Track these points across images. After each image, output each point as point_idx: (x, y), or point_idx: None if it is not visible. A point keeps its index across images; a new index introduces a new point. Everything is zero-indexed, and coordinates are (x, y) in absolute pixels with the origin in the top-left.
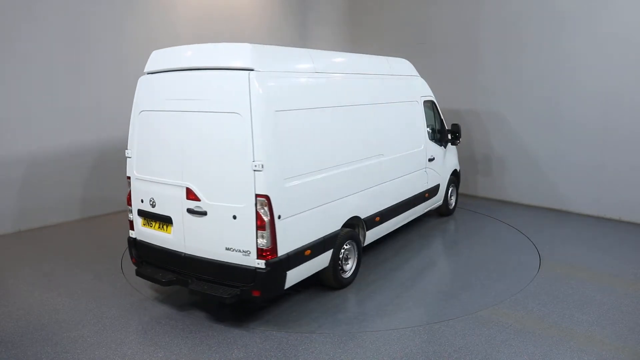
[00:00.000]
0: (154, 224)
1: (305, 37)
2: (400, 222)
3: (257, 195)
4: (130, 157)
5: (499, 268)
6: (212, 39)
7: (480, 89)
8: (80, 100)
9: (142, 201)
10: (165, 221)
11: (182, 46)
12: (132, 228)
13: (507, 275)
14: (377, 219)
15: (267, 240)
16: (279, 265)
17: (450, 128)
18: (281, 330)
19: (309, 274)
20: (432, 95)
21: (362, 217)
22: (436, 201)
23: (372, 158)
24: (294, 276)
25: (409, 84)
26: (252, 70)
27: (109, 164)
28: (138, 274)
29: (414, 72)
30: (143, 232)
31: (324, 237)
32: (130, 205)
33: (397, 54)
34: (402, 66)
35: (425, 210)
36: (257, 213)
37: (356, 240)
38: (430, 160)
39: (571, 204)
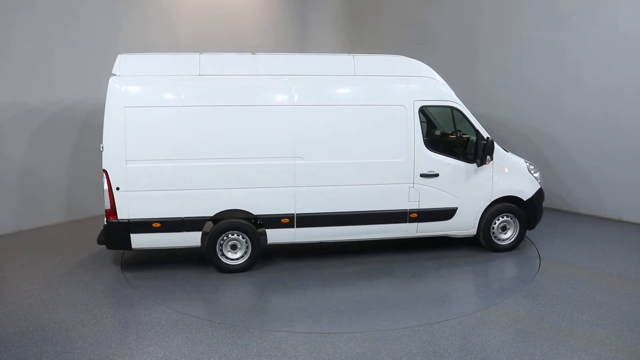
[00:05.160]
0: None
1: (304, 37)
2: (354, 235)
3: (103, 169)
4: None
5: (499, 268)
6: (211, 39)
7: (480, 89)
8: (80, 100)
9: None
10: None
11: None
12: None
13: (507, 275)
14: (285, 220)
15: (107, 204)
16: (117, 225)
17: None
18: (281, 330)
19: (171, 245)
20: (452, 100)
21: (255, 214)
22: (452, 228)
23: (279, 159)
24: (142, 240)
25: (389, 86)
26: (114, 75)
27: None
28: None
29: (413, 72)
30: None
31: (183, 218)
32: None
33: (397, 54)
34: (383, 66)
35: (428, 234)
36: (103, 183)
37: (247, 232)
38: (428, 176)
39: (571, 204)
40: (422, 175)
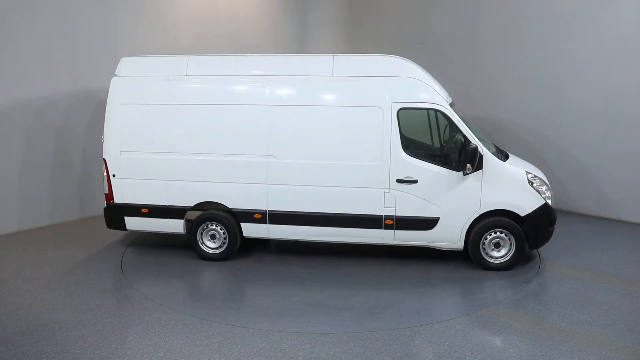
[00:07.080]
0: None
1: (304, 37)
2: (328, 236)
3: (103, 158)
4: None
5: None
6: (212, 40)
7: (480, 89)
8: (80, 99)
9: None
10: None
11: None
12: None
13: (507, 275)
14: (258, 216)
15: (105, 188)
16: (113, 208)
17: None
18: (281, 330)
19: (158, 230)
20: (436, 102)
21: (230, 207)
22: (435, 239)
23: (252, 156)
24: (134, 223)
25: (366, 87)
26: (116, 75)
27: None
28: None
29: (396, 73)
30: None
31: (167, 205)
32: None
33: (397, 54)
34: (363, 66)
35: (408, 244)
36: (103, 170)
37: (224, 224)
38: (405, 181)
39: (571, 204)
40: (398, 181)
